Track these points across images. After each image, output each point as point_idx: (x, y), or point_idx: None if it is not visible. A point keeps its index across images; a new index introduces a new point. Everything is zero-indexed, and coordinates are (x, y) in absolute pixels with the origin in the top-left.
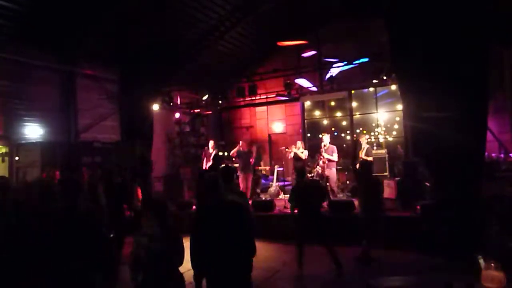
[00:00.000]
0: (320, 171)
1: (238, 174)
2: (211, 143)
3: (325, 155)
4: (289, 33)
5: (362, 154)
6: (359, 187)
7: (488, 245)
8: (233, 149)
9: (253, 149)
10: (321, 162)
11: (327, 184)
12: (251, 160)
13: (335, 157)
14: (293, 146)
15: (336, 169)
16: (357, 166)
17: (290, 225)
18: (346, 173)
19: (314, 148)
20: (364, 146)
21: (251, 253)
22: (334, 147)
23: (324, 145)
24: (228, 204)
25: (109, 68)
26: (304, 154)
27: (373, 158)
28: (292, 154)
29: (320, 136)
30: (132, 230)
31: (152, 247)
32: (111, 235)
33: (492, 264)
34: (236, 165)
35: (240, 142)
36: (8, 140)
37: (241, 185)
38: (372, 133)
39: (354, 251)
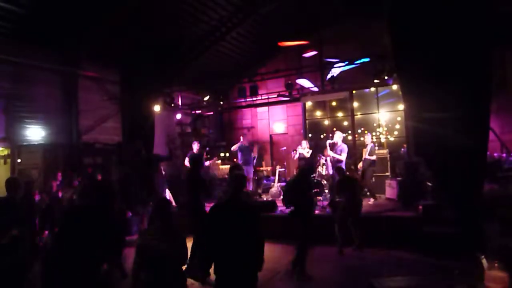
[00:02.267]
0: (321, 171)
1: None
2: (195, 144)
3: (331, 153)
4: (291, 34)
5: (365, 154)
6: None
7: (490, 245)
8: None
9: (254, 146)
10: (324, 161)
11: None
12: (252, 154)
13: (343, 156)
14: (299, 146)
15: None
16: (360, 166)
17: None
18: (347, 173)
19: (315, 148)
20: (369, 144)
21: (261, 254)
22: (345, 147)
23: (335, 143)
24: (242, 203)
25: (111, 69)
26: (309, 154)
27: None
28: (297, 155)
29: (322, 136)
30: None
31: (158, 247)
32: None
33: (496, 264)
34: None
35: (241, 137)
36: (10, 142)
37: None
38: (374, 133)
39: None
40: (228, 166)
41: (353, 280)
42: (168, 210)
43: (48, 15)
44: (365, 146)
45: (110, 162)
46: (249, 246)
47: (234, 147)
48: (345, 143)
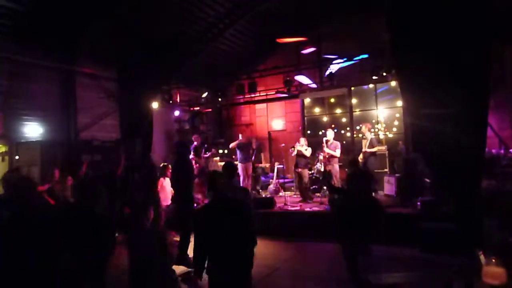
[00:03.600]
0: (319, 167)
1: (238, 165)
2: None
3: (327, 150)
4: (289, 30)
5: (365, 146)
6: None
7: (488, 241)
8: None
9: (253, 141)
10: (321, 158)
11: (331, 180)
12: (250, 151)
13: (337, 153)
14: (297, 143)
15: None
16: (360, 158)
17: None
18: (346, 169)
19: (314, 145)
20: (368, 136)
21: (251, 249)
22: (338, 143)
23: (327, 141)
24: (230, 201)
25: (109, 66)
26: (308, 151)
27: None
28: (295, 152)
29: (321, 133)
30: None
31: (142, 245)
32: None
33: (493, 260)
34: (236, 162)
35: (240, 135)
36: (8, 139)
37: (241, 175)
38: (372, 130)
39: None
40: None
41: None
42: (146, 210)
43: (47, 13)
44: (365, 137)
45: (109, 159)
46: (238, 242)
47: (232, 145)
48: (337, 140)
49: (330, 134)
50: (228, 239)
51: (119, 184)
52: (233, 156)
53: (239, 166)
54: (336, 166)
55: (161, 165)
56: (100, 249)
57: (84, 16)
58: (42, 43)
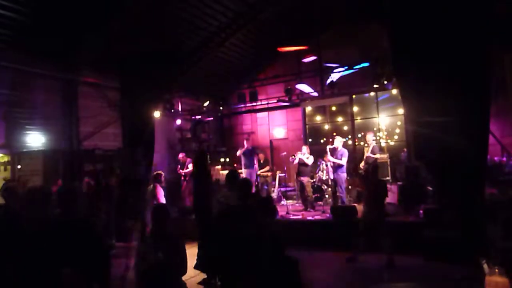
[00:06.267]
0: (322, 176)
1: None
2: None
3: (331, 158)
4: (290, 39)
5: (367, 152)
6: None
7: (491, 249)
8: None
9: (260, 156)
10: (324, 166)
11: (336, 188)
12: (255, 157)
13: (343, 161)
14: (298, 152)
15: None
16: (362, 165)
17: None
18: (348, 178)
19: (316, 153)
20: (371, 143)
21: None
22: (346, 151)
23: (336, 148)
24: (241, 209)
25: (110, 75)
26: (309, 159)
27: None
28: (297, 160)
29: (323, 141)
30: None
31: (155, 258)
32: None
33: (496, 270)
34: (240, 171)
35: (245, 142)
36: (10, 149)
37: None
38: (374, 138)
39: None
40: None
41: (355, 285)
42: (162, 216)
43: (48, 22)
44: (367, 145)
45: (111, 169)
46: (255, 250)
47: (238, 152)
48: (345, 148)
49: (338, 141)
50: (244, 246)
51: (116, 195)
52: (235, 165)
53: (244, 172)
54: (342, 175)
55: (154, 174)
56: (94, 256)
57: (86, 25)
58: (43, 53)
